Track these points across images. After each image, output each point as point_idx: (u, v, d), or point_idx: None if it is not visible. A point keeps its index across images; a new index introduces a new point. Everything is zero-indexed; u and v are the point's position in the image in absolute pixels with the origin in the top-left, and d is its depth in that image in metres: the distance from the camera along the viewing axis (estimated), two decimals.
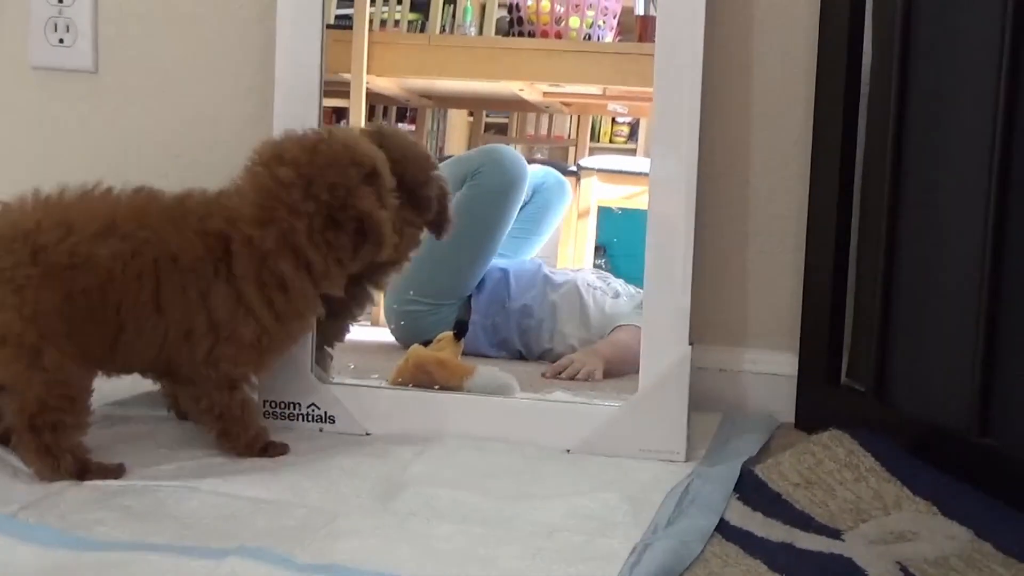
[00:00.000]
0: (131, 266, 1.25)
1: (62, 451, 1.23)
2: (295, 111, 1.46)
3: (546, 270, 1.81)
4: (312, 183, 1.28)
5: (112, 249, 1.24)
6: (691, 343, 1.40)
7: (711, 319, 1.54)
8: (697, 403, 1.44)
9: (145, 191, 1.31)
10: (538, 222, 1.81)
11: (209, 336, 1.29)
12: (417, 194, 1.43)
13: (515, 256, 1.81)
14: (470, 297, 1.76)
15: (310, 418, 1.46)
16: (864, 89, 1.45)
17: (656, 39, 1.40)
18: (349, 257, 1.31)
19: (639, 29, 1.64)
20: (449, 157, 1.79)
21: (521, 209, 1.75)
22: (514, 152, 1.79)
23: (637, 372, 1.41)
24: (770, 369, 1.55)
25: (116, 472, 1.25)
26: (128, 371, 1.35)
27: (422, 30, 1.64)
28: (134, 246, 1.25)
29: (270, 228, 1.28)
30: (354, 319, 1.52)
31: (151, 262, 1.26)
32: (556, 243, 1.86)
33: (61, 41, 1.67)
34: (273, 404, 1.45)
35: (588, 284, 1.78)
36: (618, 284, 1.82)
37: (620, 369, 1.61)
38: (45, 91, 1.70)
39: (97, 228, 1.24)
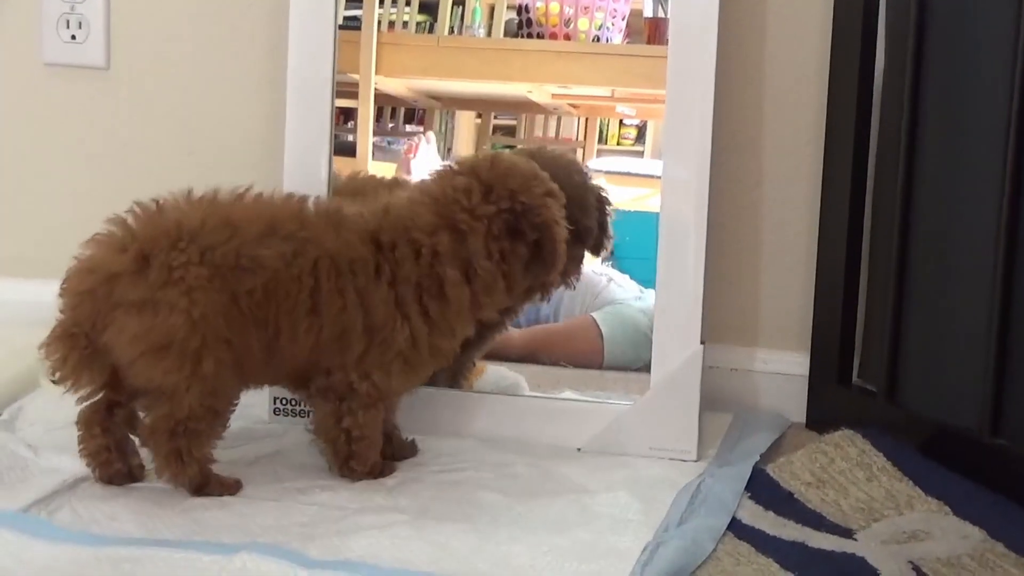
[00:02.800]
0: (292, 267, 1.20)
1: (192, 459, 1.19)
2: (307, 108, 1.46)
3: None
4: (492, 190, 1.24)
5: (275, 250, 1.20)
6: (703, 342, 1.40)
7: (723, 318, 1.53)
8: (708, 402, 1.44)
9: (296, 197, 1.27)
10: None
11: (364, 339, 1.23)
12: (579, 223, 1.37)
13: None
14: None
15: None
16: (877, 91, 1.45)
17: (669, 42, 1.41)
18: (520, 271, 1.26)
19: (648, 31, 1.63)
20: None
21: None
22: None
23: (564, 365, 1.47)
24: (781, 369, 1.54)
25: (233, 488, 1.22)
26: (273, 380, 1.31)
27: (431, 31, 1.64)
28: (296, 247, 1.21)
29: (444, 232, 1.23)
30: (480, 352, 1.47)
31: (311, 262, 1.21)
32: None
33: (73, 37, 1.67)
34: (283, 401, 1.45)
35: (594, 271, 1.77)
36: (616, 276, 1.80)
37: (541, 357, 1.55)
38: (57, 87, 1.69)
39: (260, 229, 1.21)
